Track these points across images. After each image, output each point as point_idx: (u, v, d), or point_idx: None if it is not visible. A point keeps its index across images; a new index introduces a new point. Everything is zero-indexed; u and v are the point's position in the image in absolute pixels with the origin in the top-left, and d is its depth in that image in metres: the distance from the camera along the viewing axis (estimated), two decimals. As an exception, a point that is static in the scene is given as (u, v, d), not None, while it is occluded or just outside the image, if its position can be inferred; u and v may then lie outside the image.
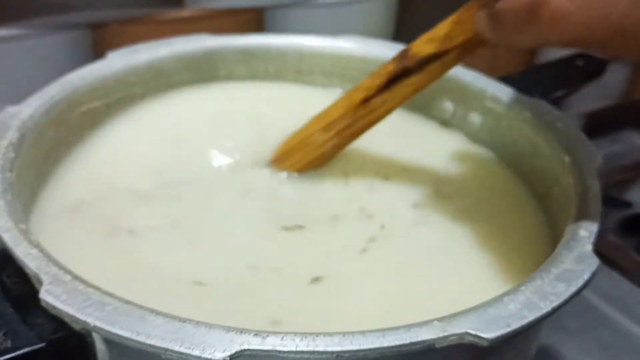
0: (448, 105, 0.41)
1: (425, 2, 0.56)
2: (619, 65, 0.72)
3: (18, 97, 0.33)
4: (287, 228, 0.32)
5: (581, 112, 0.74)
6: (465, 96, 0.40)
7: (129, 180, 0.34)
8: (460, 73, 0.41)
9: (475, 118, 0.40)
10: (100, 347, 0.24)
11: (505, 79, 0.40)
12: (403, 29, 0.55)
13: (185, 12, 0.46)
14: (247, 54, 0.43)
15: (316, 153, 0.35)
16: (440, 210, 0.34)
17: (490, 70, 0.41)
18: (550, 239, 0.32)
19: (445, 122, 0.41)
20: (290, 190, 0.35)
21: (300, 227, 0.32)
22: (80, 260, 0.25)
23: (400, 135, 0.40)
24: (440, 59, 0.31)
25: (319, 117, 0.35)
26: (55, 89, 0.35)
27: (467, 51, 0.31)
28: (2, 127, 0.31)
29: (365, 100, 0.33)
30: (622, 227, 0.57)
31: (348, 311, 0.27)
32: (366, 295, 0.28)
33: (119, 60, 0.39)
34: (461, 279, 0.30)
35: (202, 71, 0.42)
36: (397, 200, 0.35)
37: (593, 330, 0.51)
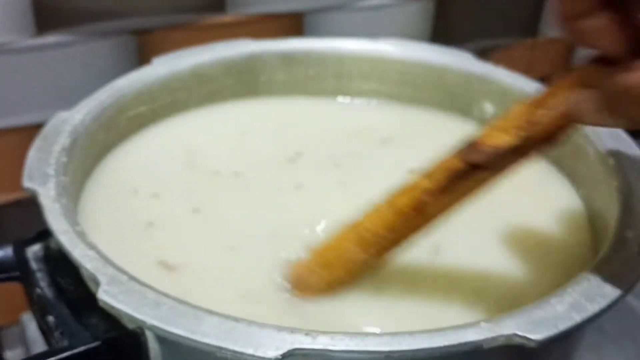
0: (488, 107, 0.41)
1: (462, 6, 0.56)
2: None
3: (65, 102, 0.34)
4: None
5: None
6: (505, 98, 0.40)
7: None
8: (500, 74, 0.41)
9: (515, 120, 0.40)
10: (153, 345, 0.24)
11: (545, 80, 0.40)
12: (440, 31, 0.55)
13: (227, 18, 0.46)
14: (287, 58, 0.43)
15: (348, 276, 0.29)
16: (484, 210, 0.34)
17: (526, 72, 0.41)
18: (595, 241, 0.32)
19: (484, 123, 0.41)
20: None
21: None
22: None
23: (440, 135, 0.40)
24: (520, 151, 0.25)
25: (354, 228, 0.28)
26: (104, 94, 0.36)
27: (553, 139, 0.25)
28: (54, 132, 0.32)
29: (419, 207, 0.26)
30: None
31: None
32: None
33: (164, 66, 0.40)
34: (504, 281, 0.30)
35: (243, 76, 0.43)
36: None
37: (632, 332, 0.50)
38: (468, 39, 0.58)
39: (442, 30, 0.56)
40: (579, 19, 0.22)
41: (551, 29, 0.60)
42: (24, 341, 0.45)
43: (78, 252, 0.24)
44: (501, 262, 0.31)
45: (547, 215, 0.34)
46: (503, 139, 0.25)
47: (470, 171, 0.25)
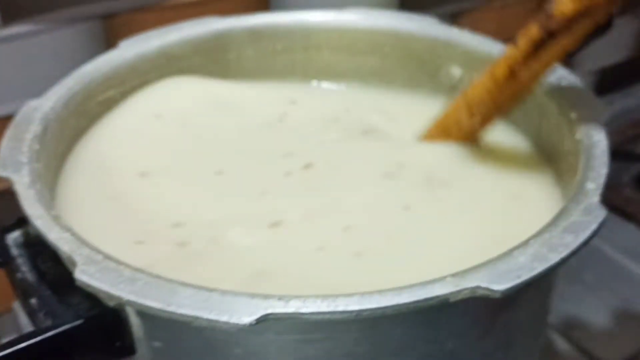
0: (455, 71, 0.42)
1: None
2: (628, 18, 0.72)
3: (36, 91, 0.34)
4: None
5: (594, 68, 0.75)
6: (471, 61, 0.41)
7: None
8: (465, 38, 0.41)
9: (482, 82, 0.40)
10: (134, 320, 0.25)
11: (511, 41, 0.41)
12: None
13: (192, -4, 0.47)
14: (255, 34, 0.44)
15: (464, 137, 0.35)
16: (453, 172, 0.35)
17: (497, 33, 0.41)
18: (561, 197, 0.33)
19: (453, 88, 0.42)
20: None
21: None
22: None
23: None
24: (588, 15, 0.29)
25: (463, 98, 0.35)
26: (73, 80, 0.36)
27: (616, 2, 0.29)
28: (26, 121, 0.32)
29: (511, 74, 0.32)
30: (638, 180, 0.58)
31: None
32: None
33: (131, 49, 0.40)
34: (473, 238, 0.31)
35: (212, 54, 0.43)
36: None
37: (611, 282, 0.52)
38: (438, 2, 0.59)
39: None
40: None
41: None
42: (18, 328, 0.46)
43: (54, 235, 0.25)
44: (471, 221, 0.32)
45: (515, 175, 0.35)
46: (571, 6, 0.29)
47: (547, 38, 0.30)
